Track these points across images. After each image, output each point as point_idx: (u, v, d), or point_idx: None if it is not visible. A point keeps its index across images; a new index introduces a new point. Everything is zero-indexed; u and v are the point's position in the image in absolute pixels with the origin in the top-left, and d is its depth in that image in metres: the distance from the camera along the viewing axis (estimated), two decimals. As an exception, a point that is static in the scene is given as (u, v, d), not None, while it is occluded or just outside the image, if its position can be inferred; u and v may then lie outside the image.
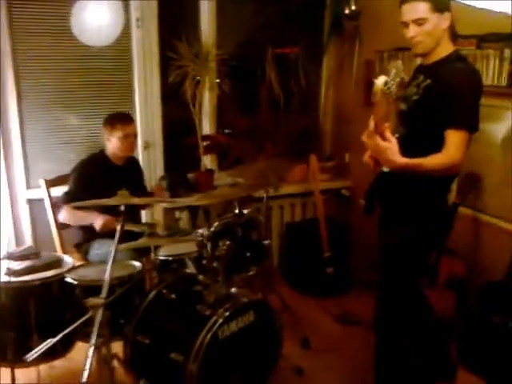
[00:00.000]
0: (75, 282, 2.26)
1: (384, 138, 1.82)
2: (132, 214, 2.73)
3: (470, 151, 2.02)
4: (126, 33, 3.36)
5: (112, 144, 2.89)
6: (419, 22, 1.97)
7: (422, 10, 1.95)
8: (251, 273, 2.47)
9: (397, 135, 1.91)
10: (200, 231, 2.31)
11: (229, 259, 2.28)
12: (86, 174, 2.86)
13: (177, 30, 3.51)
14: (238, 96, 3.78)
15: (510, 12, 2.53)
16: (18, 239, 3.27)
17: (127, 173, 3.00)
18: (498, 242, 2.82)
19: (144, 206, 3.29)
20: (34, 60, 3.17)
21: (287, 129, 3.85)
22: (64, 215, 2.84)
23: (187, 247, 2.62)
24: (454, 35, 2.10)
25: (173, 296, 2.29)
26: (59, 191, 2.95)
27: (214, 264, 2.25)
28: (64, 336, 1.92)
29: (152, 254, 2.56)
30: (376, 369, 2.31)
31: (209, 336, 2.01)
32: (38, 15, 3.11)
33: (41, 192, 2.97)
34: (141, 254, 2.72)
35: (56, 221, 2.91)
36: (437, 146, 1.93)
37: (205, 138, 3.67)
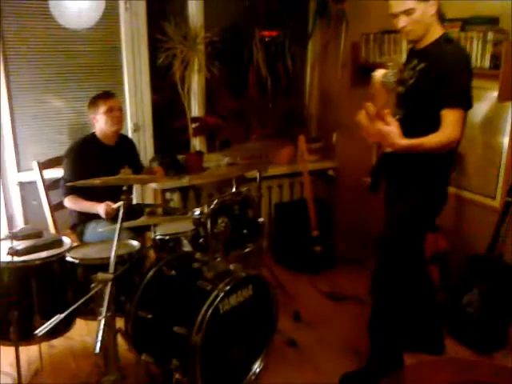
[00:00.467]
0: (77, 261, 2.30)
1: (386, 123, 1.92)
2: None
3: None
4: (114, 15, 3.35)
5: (99, 122, 2.89)
6: (408, 12, 2.07)
7: (409, 1, 2.05)
8: (248, 249, 2.56)
9: (397, 116, 2.02)
10: (198, 210, 2.38)
11: (227, 236, 2.36)
12: (80, 159, 2.86)
13: (165, 12, 3.53)
14: (226, 78, 3.81)
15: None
16: (10, 222, 3.28)
17: (121, 152, 3.00)
18: (480, 217, 2.96)
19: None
20: (23, 43, 3.14)
21: (275, 111, 3.91)
22: (69, 204, 2.86)
23: (182, 226, 2.68)
24: (442, 18, 2.21)
25: (173, 273, 2.35)
26: (52, 173, 2.98)
27: (213, 241, 2.32)
28: (66, 314, 1.96)
29: (152, 233, 2.60)
30: (371, 334, 2.42)
31: (211, 309, 2.08)
32: (26, -3, 3.08)
33: (32, 174, 2.99)
34: (137, 233, 2.76)
35: (49, 203, 2.93)
36: (434, 125, 2.04)
37: (194, 120, 3.71)
